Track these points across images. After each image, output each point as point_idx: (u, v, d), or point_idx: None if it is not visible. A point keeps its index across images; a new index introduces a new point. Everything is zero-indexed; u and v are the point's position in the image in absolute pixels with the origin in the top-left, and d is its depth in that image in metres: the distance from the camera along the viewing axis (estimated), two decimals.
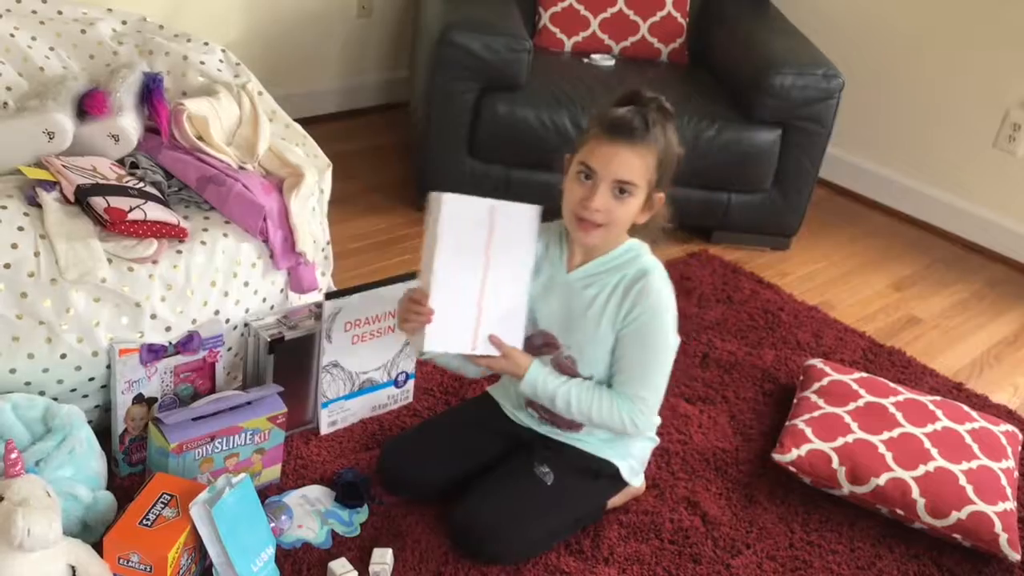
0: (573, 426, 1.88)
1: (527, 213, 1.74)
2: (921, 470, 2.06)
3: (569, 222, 1.72)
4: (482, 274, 1.72)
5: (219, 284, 1.92)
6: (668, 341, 1.76)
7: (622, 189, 1.65)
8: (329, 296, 2.00)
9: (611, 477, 1.91)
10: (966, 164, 3.48)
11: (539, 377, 1.77)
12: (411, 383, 2.21)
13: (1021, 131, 3.31)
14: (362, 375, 2.11)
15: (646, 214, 1.73)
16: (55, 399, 1.78)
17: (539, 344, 1.84)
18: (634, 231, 1.77)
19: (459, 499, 1.85)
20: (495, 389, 2.03)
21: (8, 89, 2.02)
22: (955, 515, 1.99)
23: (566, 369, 1.81)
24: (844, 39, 3.58)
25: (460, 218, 1.68)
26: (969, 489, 2.03)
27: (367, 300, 2.03)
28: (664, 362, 1.77)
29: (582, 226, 1.69)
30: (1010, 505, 2.03)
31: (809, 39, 3.24)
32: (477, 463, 1.91)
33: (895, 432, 2.16)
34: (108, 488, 1.77)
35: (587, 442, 1.89)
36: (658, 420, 1.90)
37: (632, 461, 1.93)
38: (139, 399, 1.85)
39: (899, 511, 2.03)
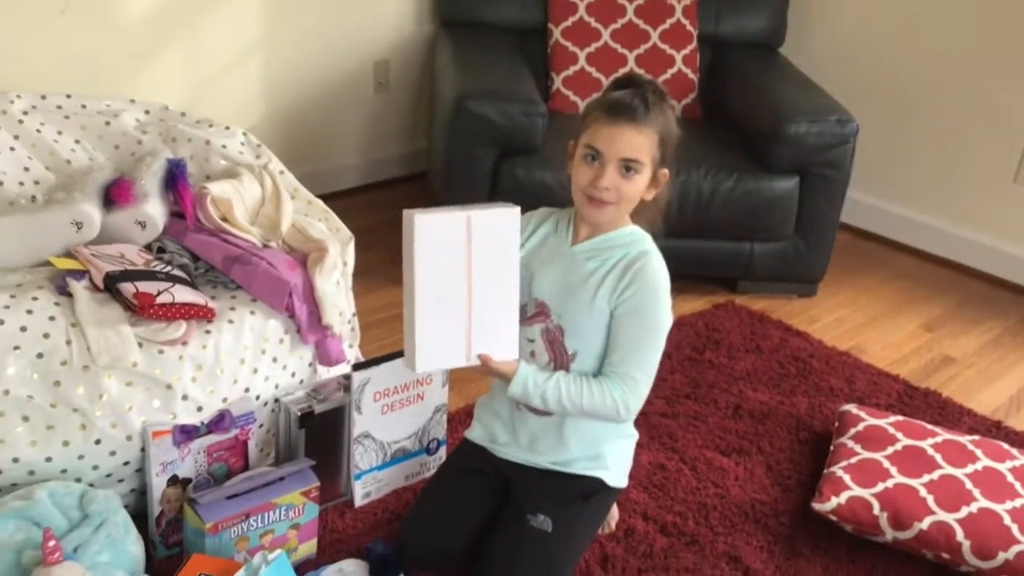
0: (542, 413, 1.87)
1: (505, 217, 1.70)
2: (964, 512, 2.02)
3: (580, 202, 1.77)
4: (466, 287, 1.69)
5: (248, 361, 1.95)
6: (662, 321, 1.77)
7: (628, 167, 1.70)
8: (357, 367, 2.01)
9: (600, 492, 1.90)
10: (988, 200, 3.47)
11: (528, 376, 1.77)
12: (443, 449, 2.21)
13: None
14: (394, 444, 2.11)
15: (652, 190, 1.78)
16: (91, 485, 1.79)
17: (532, 313, 1.84)
18: (640, 209, 1.81)
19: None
20: (472, 432, 2.01)
21: (36, 183, 2.08)
22: (1002, 556, 1.95)
23: (554, 340, 1.82)
24: (856, 84, 3.60)
25: (436, 237, 1.65)
26: (1014, 528, 1.99)
27: (395, 369, 2.04)
28: (657, 343, 1.78)
29: (593, 204, 1.74)
30: None
31: (820, 86, 3.26)
32: (482, 516, 1.90)
33: (935, 474, 2.13)
34: (146, 571, 1.77)
35: (568, 459, 1.88)
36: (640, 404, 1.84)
37: (616, 469, 1.92)
38: (174, 480, 1.86)
39: (945, 555, 1.99)
